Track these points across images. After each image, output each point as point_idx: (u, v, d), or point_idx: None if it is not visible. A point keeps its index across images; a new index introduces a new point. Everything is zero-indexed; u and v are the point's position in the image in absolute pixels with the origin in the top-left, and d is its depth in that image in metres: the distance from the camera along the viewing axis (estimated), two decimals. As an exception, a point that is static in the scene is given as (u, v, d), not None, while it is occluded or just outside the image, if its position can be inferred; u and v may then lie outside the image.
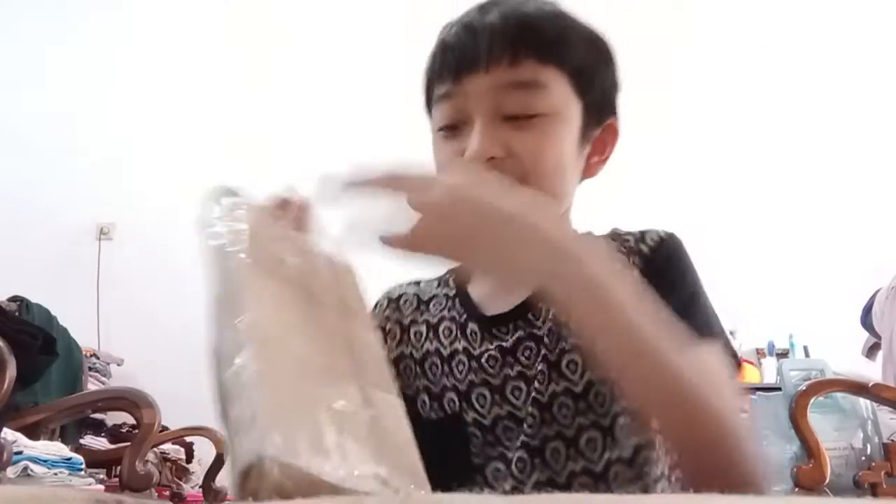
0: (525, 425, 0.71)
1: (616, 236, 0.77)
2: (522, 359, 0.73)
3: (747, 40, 3.55)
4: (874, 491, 1.63)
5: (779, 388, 2.53)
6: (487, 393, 0.73)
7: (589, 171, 0.77)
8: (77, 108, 3.34)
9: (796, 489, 1.70)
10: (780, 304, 3.12)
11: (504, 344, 0.74)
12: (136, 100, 3.37)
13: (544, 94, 0.70)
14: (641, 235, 0.76)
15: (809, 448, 1.50)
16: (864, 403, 2.22)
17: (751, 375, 3.11)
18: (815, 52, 3.50)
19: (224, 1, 3.54)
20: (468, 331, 0.76)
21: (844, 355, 2.72)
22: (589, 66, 0.73)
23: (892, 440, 2.02)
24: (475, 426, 0.73)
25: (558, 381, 0.71)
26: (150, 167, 3.30)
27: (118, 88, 3.38)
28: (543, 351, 0.72)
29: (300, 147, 3.37)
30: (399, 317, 0.82)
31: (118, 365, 2.98)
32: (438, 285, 0.84)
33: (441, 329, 0.79)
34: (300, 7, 3.50)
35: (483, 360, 0.74)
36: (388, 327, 0.82)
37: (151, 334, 3.02)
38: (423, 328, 0.80)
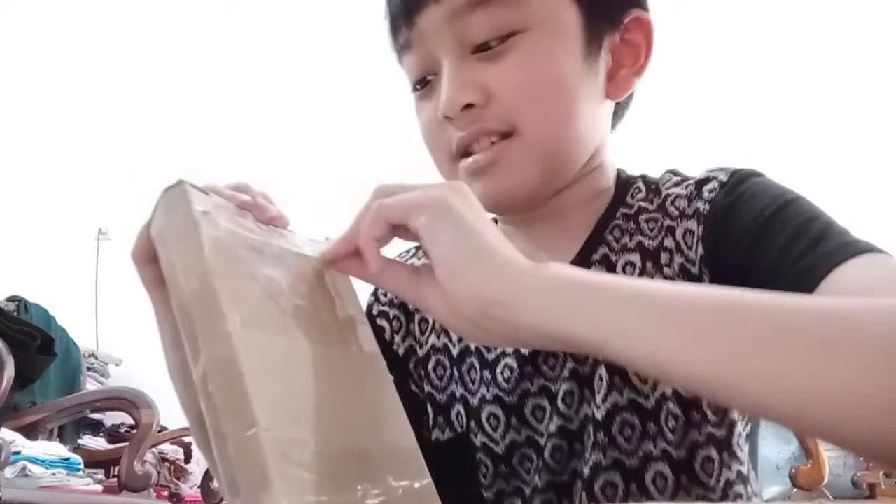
0: (545, 459, 0.56)
1: (667, 183, 0.60)
2: (545, 369, 0.57)
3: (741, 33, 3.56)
4: (872, 492, 1.64)
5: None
6: (501, 413, 0.58)
7: (618, 89, 0.59)
8: (77, 107, 3.34)
9: (795, 490, 1.71)
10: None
11: (523, 351, 0.58)
12: (136, 99, 3.37)
13: (515, 4, 0.53)
14: (698, 188, 0.56)
15: (808, 449, 1.51)
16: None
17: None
18: (815, 54, 3.50)
19: (225, 3, 3.54)
20: None
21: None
22: None
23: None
24: (485, 452, 0.58)
25: (590, 401, 0.55)
26: (149, 167, 3.30)
27: (118, 88, 3.37)
28: (570, 364, 0.56)
29: (300, 147, 3.37)
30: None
31: (116, 365, 2.98)
32: None
33: None
34: (300, 9, 3.50)
35: (497, 371, 0.59)
36: (390, 314, 0.66)
37: (150, 335, 2.99)
38: (429, 317, 0.64)
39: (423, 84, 0.59)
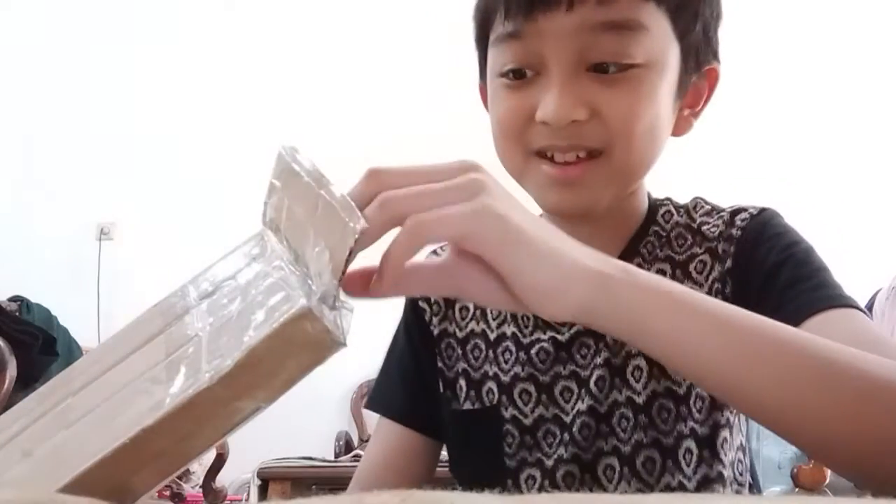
0: (573, 433, 0.63)
1: (696, 213, 0.67)
2: (578, 357, 0.64)
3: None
4: (873, 491, 1.63)
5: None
6: (533, 390, 0.65)
7: (679, 127, 0.64)
8: (77, 107, 3.34)
9: (796, 489, 1.71)
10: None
11: (559, 336, 0.65)
12: (136, 99, 3.37)
13: (642, 37, 0.56)
14: (731, 217, 0.65)
15: (809, 448, 1.49)
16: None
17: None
18: (814, 56, 3.50)
19: (228, 4, 3.54)
20: (520, 315, 0.67)
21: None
22: None
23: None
24: (513, 424, 0.65)
25: (621, 388, 0.63)
26: (150, 167, 3.30)
27: (118, 87, 3.37)
28: (605, 353, 0.63)
29: (302, 147, 3.36)
30: None
31: (118, 365, 2.98)
32: None
33: (490, 309, 0.69)
34: (304, 10, 3.50)
35: (532, 352, 0.66)
36: (431, 301, 0.72)
37: (152, 334, 3.01)
38: (471, 306, 0.70)
39: (517, 76, 0.59)
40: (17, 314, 2.27)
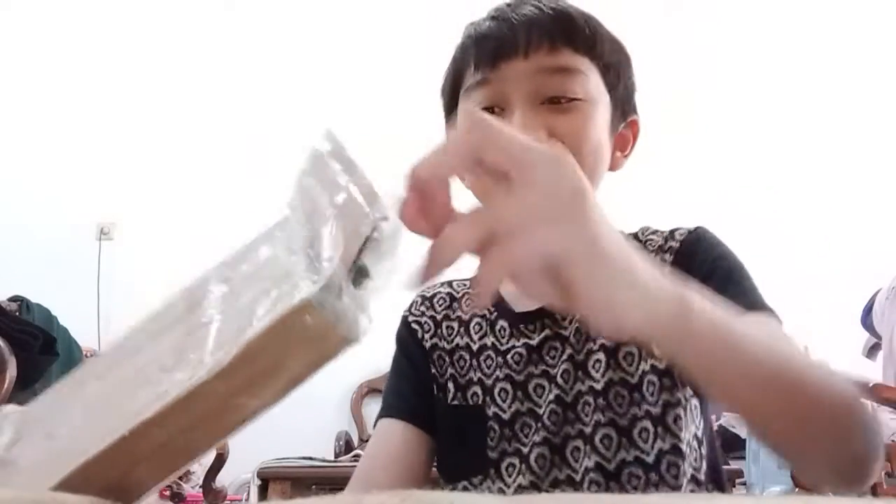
0: (544, 422, 0.72)
1: (643, 235, 0.79)
2: (547, 358, 0.75)
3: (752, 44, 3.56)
4: (874, 490, 1.64)
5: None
6: (510, 388, 0.76)
7: (614, 164, 0.78)
8: (77, 107, 3.34)
9: (797, 489, 1.71)
10: (780, 304, 3.11)
11: (531, 342, 0.76)
12: (136, 99, 3.37)
13: (582, 79, 0.71)
14: (671, 233, 0.77)
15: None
16: (864, 403, 2.22)
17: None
18: (814, 57, 3.50)
19: (228, 5, 3.54)
20: (497, 327, 0.79)
21: (844, 355, 2.72)
22: (616, 63, 0.76)
23: (893, 440, 2.03)
24: (495, 420, 0.75)
25: (583, 380, 0.73)
26: (150, 167, 3.30)
27: (118, 87, 3.38)
28: (569, 350, 0.74)
29: (297, 148, 3.37)
30: (433, 313, 0.85)
31: (118, 365, 2.98)
32: (469, 284, 0.84)
33: (472, 325, 0.81)
34: (304, 10, 3.50)
35: (509, 357, 0.77)
36: (422, 321, 0.85)
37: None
38: (455, 324, 0.83)
39: (488, 112, 0.71)
40: (17, 314, 2.26)
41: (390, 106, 3.31)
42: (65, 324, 2.51)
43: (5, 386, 1.26)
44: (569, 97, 0.70)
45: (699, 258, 0.73)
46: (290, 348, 0.33)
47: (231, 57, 3.43)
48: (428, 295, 0.87)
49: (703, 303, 0.45)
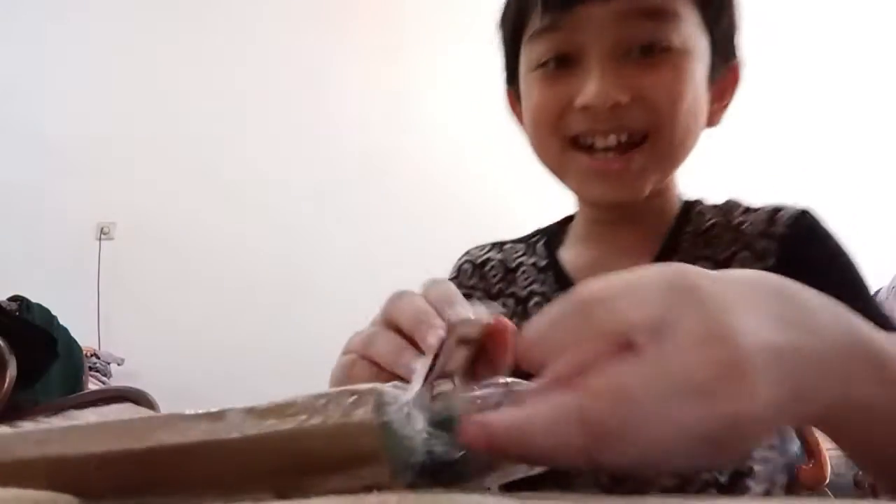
0: None
1: (734, 208, 0.68)
2: None
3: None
4: (874, 491, 1.63)
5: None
6: None
7: (713, 119, 0.67)
8: (77, 107, 3.34)
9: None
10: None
11: None
12: (136, 99, 3.37)
13: (677, 23, 0.58)
14: (772, 214, 0.66)
15: (810, 448, 1.50)
16: (864, 403, 2.22)
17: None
18: (813, 57, 3.50)
19: (225, 4, 3.54)
20: None
21: (845, 355, 2.72)
22: None
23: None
24: None
25: None
26: (150, 166, 3.30)
27: (118, 87, 3.37)
28: None
29: (297, 149, 3.37)
30: (486, 285, 0.72)
31: (119, 365, 2.98)
32: (525, 252, 0.74)
33: (530, 305, 0.69)
34: (305, 9, 3.50)
35: None
36: (474, 296, 0.72)
37: (152, 334, 3.01)
38: (511, 301, 0.70)
39: (555, 66, 0.60)
40: (18, 314, 2.26)
41: (391, 106, 3.31)
42: (65, 324, 2.51)
43: (5, 386, 1.26)
44: (661, 46, 0.58)
45: (813, 253, 0.63)
46: (338, 461, 0.29)
47: (231, 57, 3.43)
48: (478, 262, 0.74)
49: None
